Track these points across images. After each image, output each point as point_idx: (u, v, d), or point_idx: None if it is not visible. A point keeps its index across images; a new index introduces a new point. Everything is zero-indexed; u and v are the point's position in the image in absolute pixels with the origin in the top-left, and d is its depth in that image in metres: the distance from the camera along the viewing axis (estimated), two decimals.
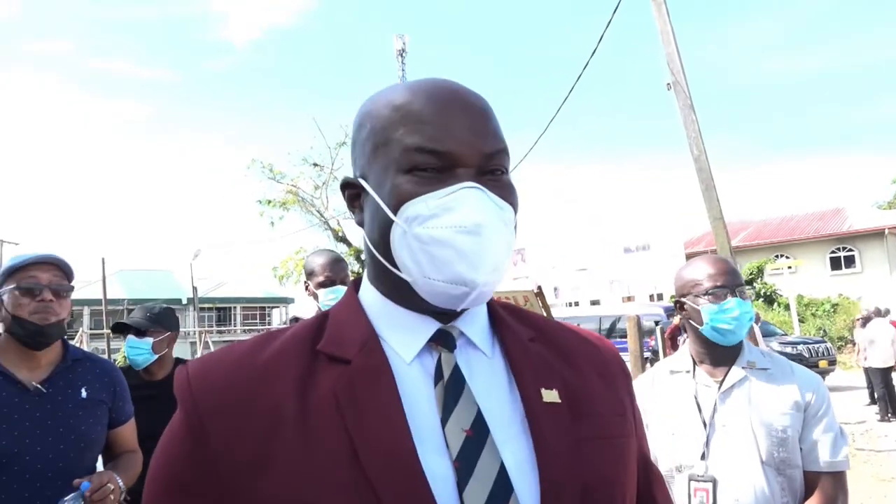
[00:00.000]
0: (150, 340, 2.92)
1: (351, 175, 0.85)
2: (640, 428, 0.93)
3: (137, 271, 42.52)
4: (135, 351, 2.90)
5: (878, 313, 12.26)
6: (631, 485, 0.82)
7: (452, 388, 0.75)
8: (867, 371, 11.72)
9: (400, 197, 0.75)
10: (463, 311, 0.80)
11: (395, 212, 0.75)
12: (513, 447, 0.74)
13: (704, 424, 1.84)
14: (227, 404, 0.73)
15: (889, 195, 40.03)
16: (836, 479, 1.78)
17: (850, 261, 28.85)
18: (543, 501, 0.71)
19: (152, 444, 0.84)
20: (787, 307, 22.64)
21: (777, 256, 29.22)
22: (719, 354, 1.90)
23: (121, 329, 3.08)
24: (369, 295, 0.84)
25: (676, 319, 11.07)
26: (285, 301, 43.86)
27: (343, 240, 24.22)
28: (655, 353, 12.59)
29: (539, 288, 7.00)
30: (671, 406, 1.91)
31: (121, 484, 1.97)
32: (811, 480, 1.79)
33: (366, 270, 0.86)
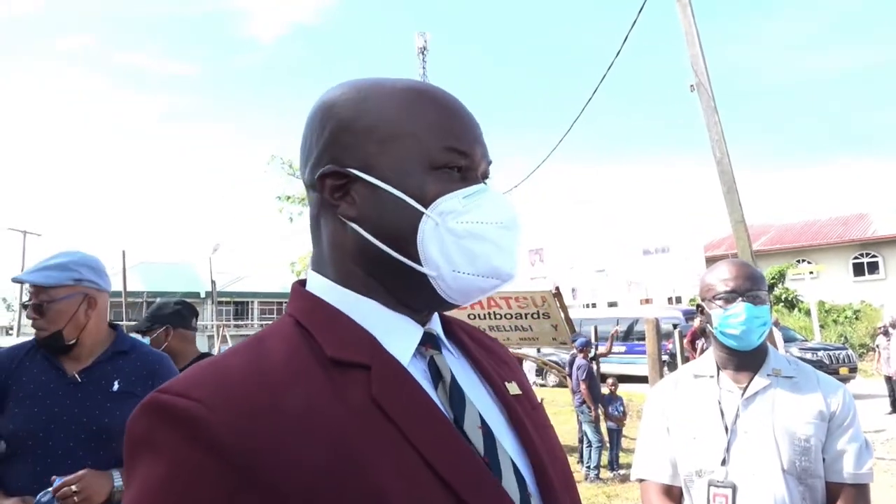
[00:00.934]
0: (148, 339, 3.01)
1: (314, 166, 0.80)
2: None
3: (157, 264, 42.96)
4: None
5: None
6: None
7: (455, 389, 0.76)
8: (888, 379, 11.57)
9: (430, 192, 0.76)
10: (432, 313, 0.82)
11: (425, 206, 0.76)
12: (506, 441, 0.76)
13: (726, 430, 1.81)
14: (278, 429, 0.62)
15: None
16: (860, 492, 1.75)
17: (873, 267, 28.46)
18: (540, 489, 0.75)
19: None
20: (808, 313, 22.38)
21: (799, 261, 28.89)
22: (741, 360, 1.88)
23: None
24: (344, 297, 0.78)
25: (696, 322, 11.01)
26: None
27: None
28: (673, 356, 12.52)
29: (557, 288, 6.97)
30: (693, 410, 1.89)
31: (116, 485, 1.89)
32: (833, 491, 1.75)
33: (334, 269, 0.80)
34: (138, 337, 2.91)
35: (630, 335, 20.76)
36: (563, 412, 11.20)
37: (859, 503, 1.74)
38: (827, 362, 14.53)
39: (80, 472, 1.84)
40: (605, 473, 8.12)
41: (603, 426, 8.43)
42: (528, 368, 16.29)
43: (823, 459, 1.76)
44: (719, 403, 1.86)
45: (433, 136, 0.77)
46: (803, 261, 28.77)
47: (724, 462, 1.79)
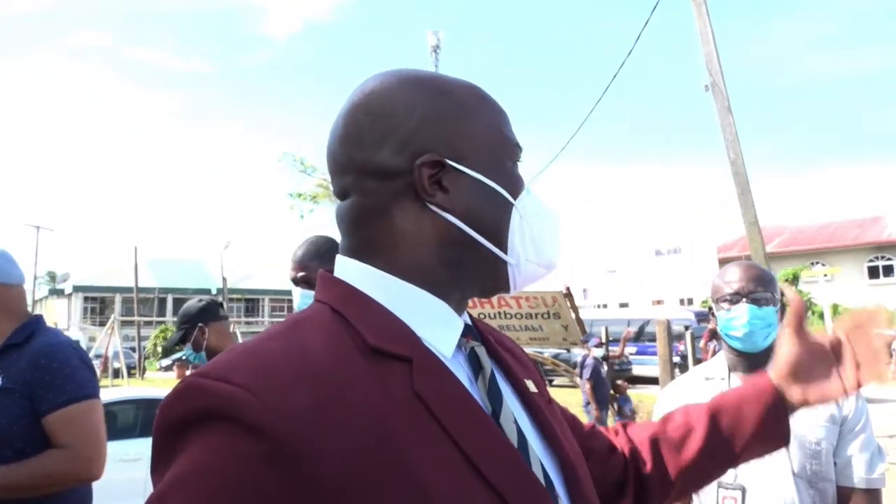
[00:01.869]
0: (189, 346, 3.06)
1: (393, 156, 0.76)
2: None
3: (169, 261, 43.24)
4: (195, 359, 3.10)
5: None
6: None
7: (493, 380, 0.77)
8: None
9: (517, 185, 0.81)
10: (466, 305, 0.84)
11: (514, 199, 0.80)
12: (531, 438, 0.77)
13: None
14: (323, 416, 0.61)
15: None
16: (871, 496, 1.73)
17: (888, 270, 28.22)
18: (567, 483, 0.77)
19: None
20: (822, 316, 22.20)
21: (813, 264, 28.68)
22: (751, 362, 1.87)
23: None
24: (390, 286, 0.75)
25: (712, 324, 10.96)
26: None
27: None
28: (685, 357, 12.46)
29: (567, 289, 6.95)
30: None
31: None
32: (844, 496, 1.74)
33: (391, 259, 0.77)
34: (191, 353, 2.99)
35: (641, 336, 20.71)
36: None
37: None
38: None
39: None
40: None
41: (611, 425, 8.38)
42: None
43: (835, 463, 1.75)
44: None
45: (505, 131, 0.83)
46: (818, 263, 28.56)
47: None
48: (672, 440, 1.03)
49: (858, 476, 1.73)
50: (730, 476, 1.78)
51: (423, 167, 0.75)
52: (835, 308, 23.75)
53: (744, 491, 1.75)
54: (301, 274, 2.38)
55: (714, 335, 10.13)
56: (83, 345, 20.48)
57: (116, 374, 20.06)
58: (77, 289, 46.06)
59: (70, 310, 46.72)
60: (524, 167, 0.86)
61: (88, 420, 2.06)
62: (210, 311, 3.13)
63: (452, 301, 0.78)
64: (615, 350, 10.08)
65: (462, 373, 0.75)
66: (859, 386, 1.01)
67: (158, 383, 21.08)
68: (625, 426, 1.09)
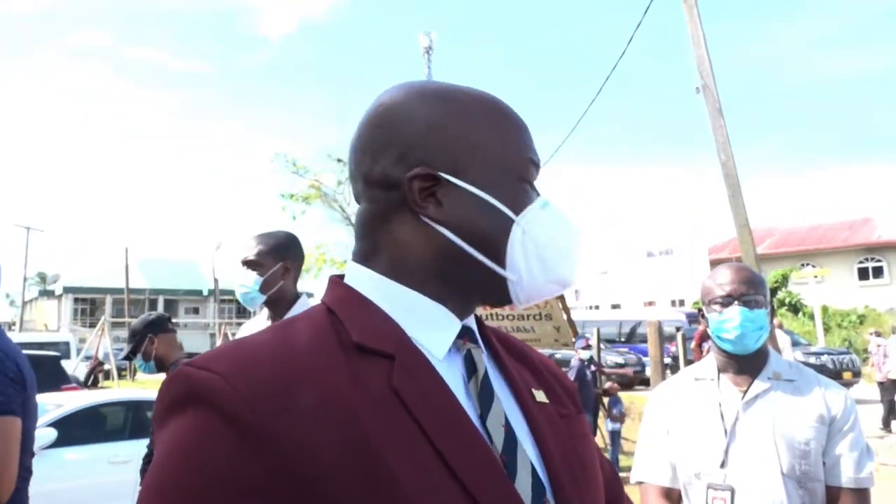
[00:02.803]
0: (140, 357, 3.36)
1: (390, 167, 0.78)
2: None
3: (161, 262, 43.04)
4: (144, 368, 3.41)
5: None
6: (605, 478, 0.90)
7: (485, 383, 0.77)
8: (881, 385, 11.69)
9: (521, 201, 0.80)
10: (474, 309, 0.83)
11: (516, 214, 0.79)
12: (527, 444, 0.76)
13: (725, 433, 1.81)
14: (292, 404, 0.63)
15: None
16: (860, 496, 1.74)
17: (878, 272, 28.39)
18: (555, 496, 0.74)
19: None
20: (812, 317, 22.33)
21: (803, 265, 28.84)
22: (741, 363, 1.88)
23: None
24: (387, 288, 0.78)
25: (702, 326, 11.00)
26: (306, 295, 44.05)
27: None
28: (676, 359, 12.50)
29: None
30: (693, 413, 1.89)
31: None
32: (833, 496, 1.75)
33: (394, 265, 0.79)
34: (141, 362, 3.29)
35: (633, 337, 20.77)
36: None
37: None
38: (830, 367, 14.47)
39: None
40: None
41: (602, 429, 8.40)
42: None
43: (824, 463, 1.76)
44: (719, 406, 1.85)
45: (517, 146, 0.82)
46: (808, 265, 28.71)
47: (723, 465, 1.79)
48: None
49: (847, 476, 1.73)
50: (719, 477, 1.79)
51: (414, 180, 0.77)
52: (825, 310, 23.87)
53: (733, 492, 1.76)
54: (243, 256, 2.48)
55: (705, 337, 10.15)
56: (73, 346, 20.41)
57: (107, 375, 19.96)
58: (67, 290, 45.80)
59: (60, 311, 46.45)
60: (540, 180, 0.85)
61: None
62: (158, 324, 3.38)
63: (451, 305, 0.79)
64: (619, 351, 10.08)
65: (455, 374, 0.75)
66: None
67: (149, 385, 20.97)
68: None
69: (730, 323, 1.82)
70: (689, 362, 9.99)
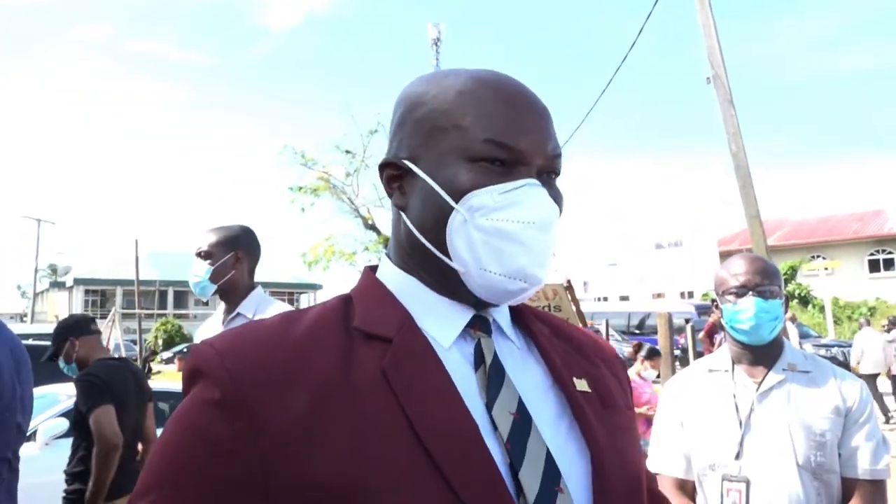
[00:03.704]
0: (62, 359, 3.45)
1: (387, 155, 0.83)
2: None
3: (169, 253, 43.15)
4: (67, 370, 3.51)
5: None
6: (647, 475, 0.87)
7: (494, 372, 0.75)
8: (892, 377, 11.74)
9: (464, 185, 0.74)
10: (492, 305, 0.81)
11: (456, 200, 0.75)
12: (551, 433, 0.74)
13: (740, 424, 1.80)
14: (268, 378, 0.68)
15: None
16: (876, 488, 1.73)
17: (889, 264, 28.21)
18: (595, 487, 0.73)
19: None
20: (822, 309, 22.21)
21: (813, 257, 28.69)
22: (756, 354, 1.86)
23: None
24: (399, 279, 0.81)
25: (713, 316, 10.95)
26: (314, 287, 44.31)
27: (373, 227, 24.32)
28: (685, 351, 12.46)
29: (568, 281, 6.93)
30: (708, 404, 1.87)
31: None
32: (849, 487, 1.74)
33: (395, 254, 0.83)
34: (64, 364, 3.37)
35: (642, 329, 20.73)
36: None
37: (875, 499, 1.72)
38: (841, 359, 14.40)
39: None
40: None
41: None
42: None
43: (839, 455, 1.75)
44: (734, 398, 1.84)
45: (476, 127, 0.75)
46: (818, 256, 28.55)
47: (737, 456, 1.78)
48: None
49: (863, 467, 1.72)
50: (734, 468, 1.78)
51: (384, 168, 0.81)
52: (835, 301, 23.76)
53: (748, 483, 1.75)
54: (196, 247, 2.52)
55: (714, 329, 10.11)
56: None
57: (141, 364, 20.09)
58: (78, 282, 46.07)
59: (71, 303, 46.76)
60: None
61: None
62: (78, 327, 3.45)
63: (453, 294, 0.78)
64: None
65: (463, 363, 0.76)
66: None
67: (158, 377, 21.08)
68: None
69: (744, 313, 1.81)
70: (698, 354, 9.95)
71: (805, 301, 25.31)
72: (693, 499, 1.87)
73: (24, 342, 2.30)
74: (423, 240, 0.77)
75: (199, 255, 2.50)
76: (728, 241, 30.34)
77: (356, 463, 0.65)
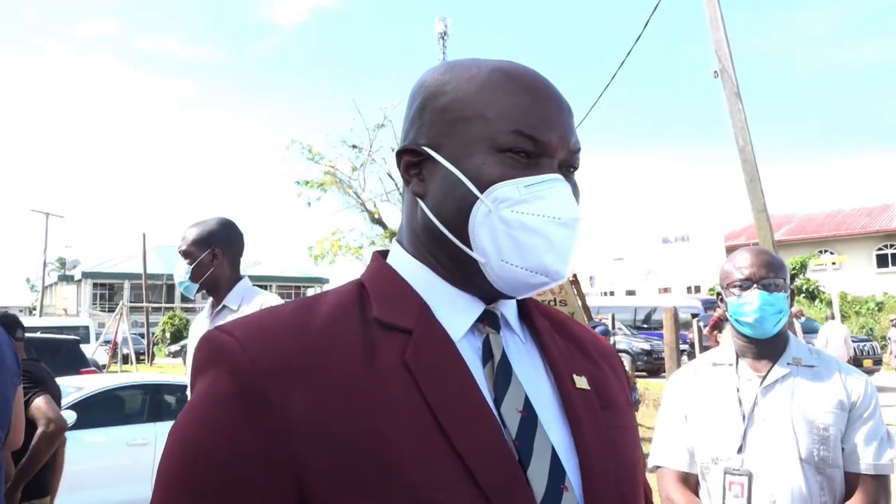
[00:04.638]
0: None
1: (405, 142, 0.82)
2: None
3: (177, 247, 43.32)
4: None
5: None
6: (642, 475, 0.85)
7: (502, 369, 0.75)
8: None
9: (489, 176, 0.74)
10: (507, 296, 0.80)
11: (481, 190, 0.74)
12: (554, 431, 0.74)
13: (743, 418, 1.80)
14: (293, 369, 0.67)
15: None
16: (879, 483, 1.73)
17: None
18: (584, 485, 0.72)
19: None
20: (830, 304, 22.09)
21: (821, 252, 28.53)
22: (760, 348, 1.86)
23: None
24: (411, 267, 0.80)
25: (719, 311, 10.90)
26: (320, 281, 44.36)
27: (379, 222, 24.28)
28: (692, 345, 12.41)
29: (574, 276, 6.93)
30: (712, 398, 1.87)
31: None
32: (852, 482, 1.73)
33: (408, 241, 0.82)
34: None
35: (648, 324, 20.67)
36: None
37: (878, 494, 1.72)
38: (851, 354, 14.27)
39: None
40: None
41: None
42: None
43: (843, 450, 1.74)
44: (737, 391, 1.84)
45: (503, 118, 0.75)
46: (826, 251, 28.40)
47: (740, 450, 1.78)
48: None
49: (866, 462, 1.72)
50: (737, 462, 1.78)
51: (402, 155, 0.80)
52: (843, 296, 23.63)
53: (750, 477, 1.75)
54: (179, 245, 2.54)
55: (719, 323, 10.06)
56: (92, 331, 20.62)
57: (125, 359, 20.17)
58: (86, 275, 46.26)
59: (79, 296, 46.96)
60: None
61: None
62: (6, 328, 3.30)
63: (464, 286, 0.78)
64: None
65: (472, 357, 0.75)
66: None
67: (167, 369, 21.19)
68: None
69: (748, 306, 1.80)
70: (704, 349, 9.92)
71: (812, 296, 25.17)
72: (696, 492, 1.87)
73: (33, 335, 2.33)
74: (442, 228, 0.76)
75: (181, 254, 2.54)
76: (735, 236, 30.22)
77: (385, 456, 0.64)
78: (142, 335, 27.10)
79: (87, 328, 20.62)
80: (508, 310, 0.82)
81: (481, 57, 0.83)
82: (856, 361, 13.77)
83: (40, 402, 3.17)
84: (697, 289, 29.35)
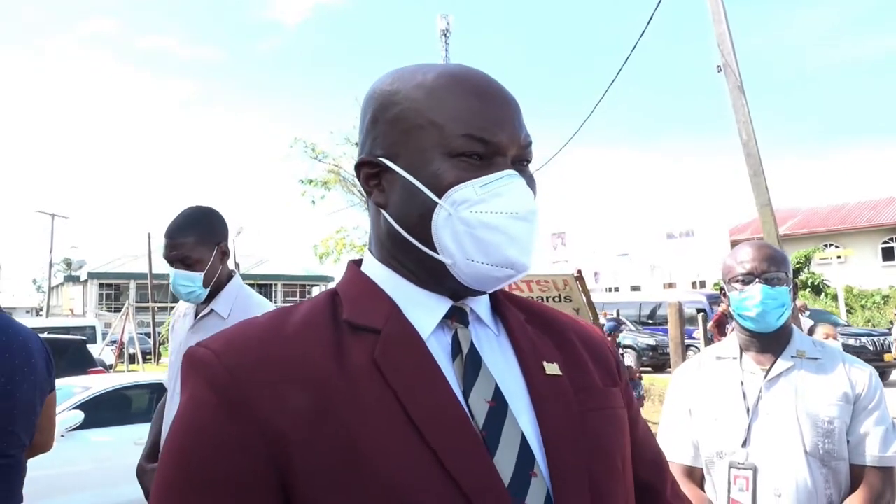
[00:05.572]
0: None
1: (361, 154, 0.84)
2: (638, 413, 0.96)
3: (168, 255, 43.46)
4: None
5: None
6: (627, 454, 0.86)
7: (471, 361, 0.78)
8: None
9: (446, 181, 0.77)
10: (478, 292, 0.83)
11: (439, 195, 0.77)
12: (524, 419, 0.77)
13: (748, 411, 1.80)
14: (267, 375, 0.71)
15: None
16: (885, 475, 1.73)
17: None
18: (550, 468, 0.74)
19: None
20: (835, 298, 22.03)
21: (826, 245, 28.46)
22: (764, 342, 1.86)
23: None
24: (381, 273, 0.83)
25: (723, 306, 10.86)
26: (325, 279, 44.42)
27: None
28: (710, 339, 12.36)
29: (579, 272, 6.93)
30: (716, 392, 1.88)
31: None
32: (857, 474, 1.74)
33: (375, 249, 0.86)
34: None
35: (652, 319, 20.65)
36: None
37: (884, 486, 1.71)
38: (870, 348, 14.07)
39: None
40: None
41: None
42: None
43: (848, 442, 1.74)
44: (742, 385, 1.84)
45: (453, 123, 0.77)
46: (831, 245, 28.32)
47: (745, 443, 1.78)
48: None
49: (871, 454, 1.72)
50: (741, 455, 1.78)
51: (361, 167, 0.83)
52: (848, 290, 23.57)
53: (755, 470, 1.75)
54: (174, 252, 2.28)
55: (723, 318, 10.03)
56: (98, 331, 20.69)
57: (132, 359, 20.26)
58: (92, 276, 46.42)
59: (86, 296, 47.13)
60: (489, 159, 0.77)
61: None
62: None
63: (432, 287, 0.81)
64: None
65: (441, 353, 0.78)
66: None
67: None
68: None
69: (751, 300, 1.80)
70: (709, 343, 9.90)
71: (818, 290, 25.11)
72: (702, 486, 1.88)
73: (40, 336, 2.32)
74: (406, 235, 0.80)
75: (184, 262, 2.28)
76: (740, 231, 30.13)
77: (360, 452, 0.68)
78: (148, 335, 27.21)
79: (93, 328, 20.70)
80: (479, 305, 0.85)
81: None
82: (877, 355, 13.58)
83: None
84: (702, 284, 29.28)
